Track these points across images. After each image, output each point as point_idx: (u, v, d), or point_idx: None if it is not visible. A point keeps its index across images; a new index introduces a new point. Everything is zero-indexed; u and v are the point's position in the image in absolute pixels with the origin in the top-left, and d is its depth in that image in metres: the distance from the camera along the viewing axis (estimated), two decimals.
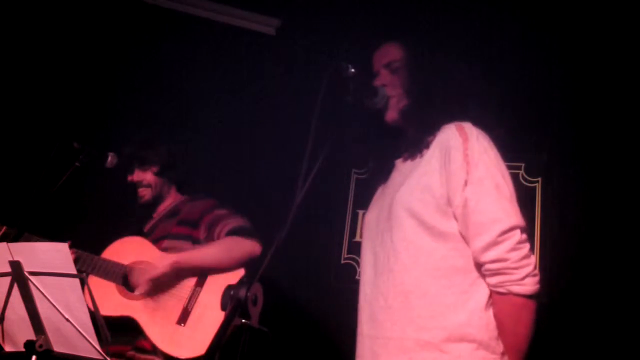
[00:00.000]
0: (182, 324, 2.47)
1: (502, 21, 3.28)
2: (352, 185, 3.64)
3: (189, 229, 2.69)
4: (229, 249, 2.56)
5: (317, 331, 3.37)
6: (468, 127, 1.80)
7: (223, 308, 1.32)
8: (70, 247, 2.49)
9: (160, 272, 2.47)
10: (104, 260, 2.59)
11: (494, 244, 1.66)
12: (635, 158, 2.92)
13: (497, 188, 1.72)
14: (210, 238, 2.65)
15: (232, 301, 1.31)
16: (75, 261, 2.48)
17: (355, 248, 3.50)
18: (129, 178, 2.82)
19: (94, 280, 2.54)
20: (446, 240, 1.73)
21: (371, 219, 1.95)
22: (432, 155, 1.80)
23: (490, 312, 1.72)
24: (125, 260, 2.59)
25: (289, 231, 1.48)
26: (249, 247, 2.58)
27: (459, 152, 1.74)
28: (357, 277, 2.05)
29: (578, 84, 3.15)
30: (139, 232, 2.79)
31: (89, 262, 2.56)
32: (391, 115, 1.90)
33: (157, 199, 2.85)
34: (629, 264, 2.81)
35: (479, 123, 1.85)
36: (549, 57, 3.24)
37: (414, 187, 1.78)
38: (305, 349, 3.33)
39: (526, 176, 3.20)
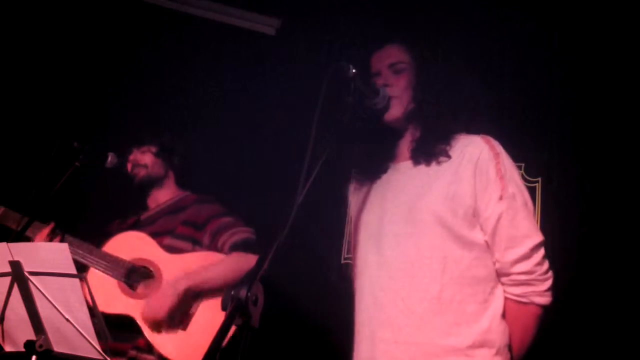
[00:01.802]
0: (183, 329, 2.48)
1: (502, 21, 3.28)
2: None
3: (192, 230, 2.70)
4: (239, 269, 2.56)
5: (317, 331, 3.37)
6: (494, 141, 1.88)
7: (223, 308, 1.32)
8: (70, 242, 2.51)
9: (176, 300, 2.44)
10: (106, 253, 2.57)
11: (526, 257, 1.77)
12: (636, 158, 2.92)
13: (525, 204, 1.81)
14: (214, 246, 2.67)
15: (232, 301, 1.31)
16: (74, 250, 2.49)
17: None
18: (128, 160, 2.79)
19: (96, 275, 2.52)
20: (471, 249, 1.79)
21: (372, 220, 1.95)
22: (458, 165, 1.83)
23: (504, 319, 1.79)
24: (127, 256, 2.58)
25: (289, 231, 1.48)
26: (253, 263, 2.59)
27: (492, 167, 1.80)
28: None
29: (578, 84, 3.15)
30: (136, 222, 2.78)
31: (88, 253, 2.54)
32: (392, 114, 1.90)
33: (154, 182, 2.82)
34: (629, 264, 2.81)
35: (483, 128, 1.88)
36: (549, 58, 3.24)
37: (442, 196, 1.81)
38: (305, 349, 3.33)
39: (526, 176, 3.20)
